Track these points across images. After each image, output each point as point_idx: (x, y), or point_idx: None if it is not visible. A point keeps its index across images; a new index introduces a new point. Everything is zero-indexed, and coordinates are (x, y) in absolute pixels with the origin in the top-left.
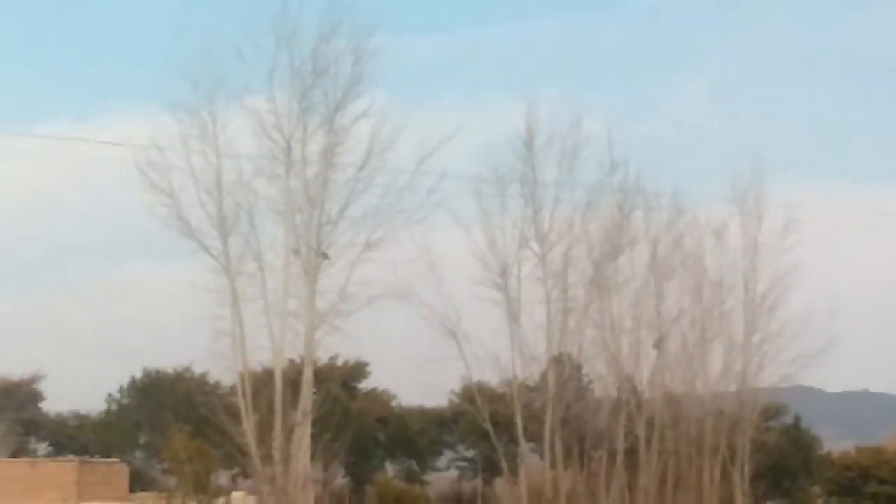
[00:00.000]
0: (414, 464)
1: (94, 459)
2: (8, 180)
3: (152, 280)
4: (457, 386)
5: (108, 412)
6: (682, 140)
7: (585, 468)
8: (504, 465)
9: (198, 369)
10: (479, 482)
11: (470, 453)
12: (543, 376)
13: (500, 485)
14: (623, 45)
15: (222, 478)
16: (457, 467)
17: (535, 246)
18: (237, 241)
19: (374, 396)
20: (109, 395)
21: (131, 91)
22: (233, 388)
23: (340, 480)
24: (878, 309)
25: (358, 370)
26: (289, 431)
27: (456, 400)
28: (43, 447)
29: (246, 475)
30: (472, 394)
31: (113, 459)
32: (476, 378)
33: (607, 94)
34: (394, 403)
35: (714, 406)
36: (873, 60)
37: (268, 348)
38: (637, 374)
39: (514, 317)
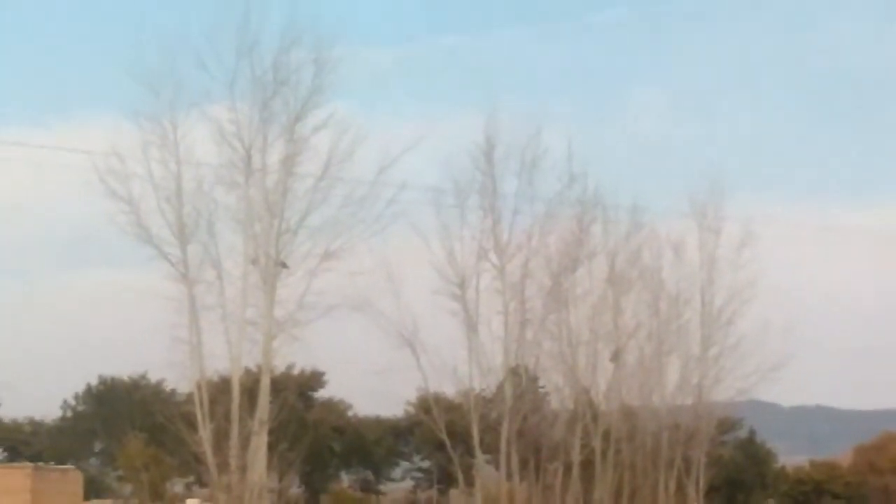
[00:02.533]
0: (369, 474)
1: (48, 466)
2: None
3: (110, 287)
4: (413, 396)
5: (63, 419)
6: (642, 154)
7: (541, 480)
8: (460, 475)
9: (154, 377)
10: (434, 493)
11: (425, 464)
12: (500, 388)
13: (456, 496)
14: (583, 57)
15: (178, 486)
16: (412, 478)
17: (493, 257)
18: (196, 249)
19: (331, 406)
20: (65, 401)
21: (92, 97)
22: (189, 397)
23: (295, 490)
24: (833, 324)
25: (314, 379)
26: (245, 440)
27: (412, 410)
28: None
29: (202, 483)
30: (428, 404)
31: (68, 466)
32: (433, 389)
33: (567, 106)
34: (350, 413)
35: (670, 419)
36: (831, 76)
37: (225, 357)
38: (594, 386)
39: (471, 328)
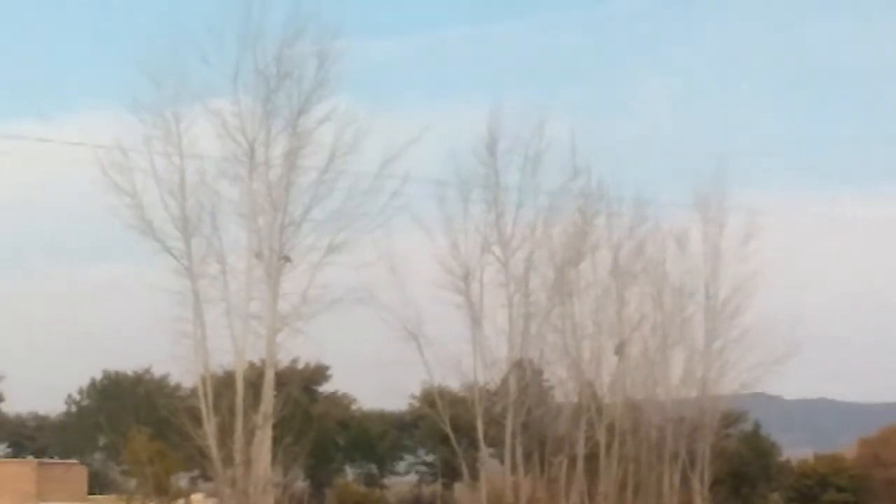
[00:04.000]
0: (374, 468)
1: (52, 461)
2: None
3: (114, 281)
4: (417, 390)
5: (67, 413)
6: (645, 146)
7: (545, 473)
8: (464, 469)
9: (158, 371)
10: (438, 487)
11: (430, 458)
12: (504, 381)
13: (460, 489)
14: (587, 49)
15: (182, 480)
16: (416, 471)
17: (497, 250)
18: (200, 243)
19: (335, 400)
20: (69, 396)
21: (95, 91)
22: (194, 391)
23: (300, 484)
24: (838, 316)
25: (319, 373)
26: (249, 434)
27: (416, 404)
28: (2, 448)
29: (206, 477)
30: (432, 398)
31: (72, 461)
32: (437, 382)
33: (570, 98)
34: (354, 407)
35: (674, 412)
36: (835, 66)
37: (229, 351)
38: (598, 379)
39: (475, 321)
